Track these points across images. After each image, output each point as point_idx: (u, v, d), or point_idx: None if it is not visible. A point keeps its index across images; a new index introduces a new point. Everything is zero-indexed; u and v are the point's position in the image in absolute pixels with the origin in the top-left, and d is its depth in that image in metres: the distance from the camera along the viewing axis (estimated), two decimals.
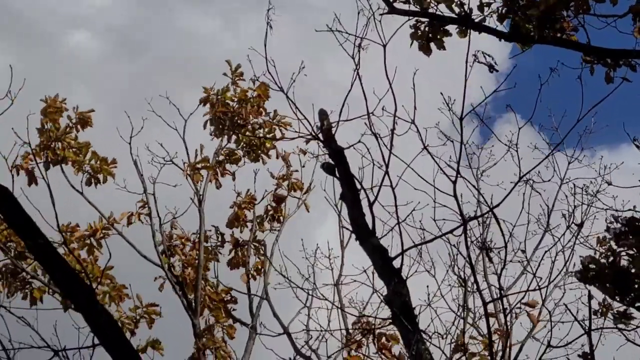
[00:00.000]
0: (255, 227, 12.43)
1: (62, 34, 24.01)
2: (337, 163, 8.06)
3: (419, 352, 6.64)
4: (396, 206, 7.48)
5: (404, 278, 7.20)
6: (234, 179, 12.67)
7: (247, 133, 12.43)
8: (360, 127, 7.86)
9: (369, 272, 8.76)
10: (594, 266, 4.95)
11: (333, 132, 8.23)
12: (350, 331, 9.55)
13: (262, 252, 12.25)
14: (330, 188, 9.63)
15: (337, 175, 8.05)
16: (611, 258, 4.93)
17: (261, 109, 12.66)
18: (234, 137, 12.69)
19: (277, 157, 12.81)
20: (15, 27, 23.68)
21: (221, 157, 12.63)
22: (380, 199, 7.57)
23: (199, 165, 12.30)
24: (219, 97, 12.60)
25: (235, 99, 12.67)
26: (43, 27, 24.32)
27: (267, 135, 12.14)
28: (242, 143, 12.71)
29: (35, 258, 6.18)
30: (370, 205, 7.58)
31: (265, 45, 8.05)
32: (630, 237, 4.97)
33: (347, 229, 7.75)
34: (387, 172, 7.53)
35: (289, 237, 12.32)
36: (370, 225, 7.52)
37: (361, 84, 7.69)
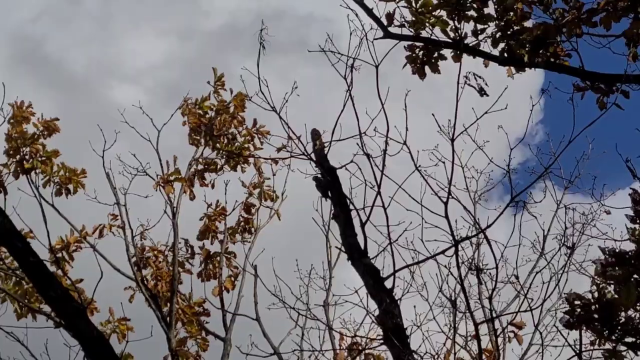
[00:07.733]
0: (227, 239, 12.27)
1: (109, 88, 24.24)
2: (330, 182, 8.06)
3: None
4: (388, 226, 7.50)
5: (396, 298, 7.21)
6: (212, 188, 12.53)
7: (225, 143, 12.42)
8: (352, 148, 7.88)
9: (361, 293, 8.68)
10: (579, 302, 4.89)
11: (325, 152, 8.26)
12: (339, 352, 9.46)
13: (234, 264, 12.05)
14: (320, 209, 9.56)
15: (329, 195, 8.06)
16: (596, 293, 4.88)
17: (238, 119, 12.63)
18: (213, 145, 12.61)
19: (257, 167, 12.69)
20: (64, 80, 23.99)
21: (199, 167, 12.53)
22: (373, 219, 7.59)
23: (171, 177, 12.10)
24: (197, 105, 12.59)
25: (214, 108, 12.64)
26: (91, 81, 24.60)
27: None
28: (221, 151, 12.63)
29: (27, 276, 6.16)
30: (362, 225, 7.59)
31: (258, 66, 8.11)
32: (617, 268, 4.94)
33: (339, 248, 7.74)
34: (379, 193, 7.55)
35: (284, 257, 12.22)
36: (362, 245, 7.53)
37: (353, 104, 7.72)
